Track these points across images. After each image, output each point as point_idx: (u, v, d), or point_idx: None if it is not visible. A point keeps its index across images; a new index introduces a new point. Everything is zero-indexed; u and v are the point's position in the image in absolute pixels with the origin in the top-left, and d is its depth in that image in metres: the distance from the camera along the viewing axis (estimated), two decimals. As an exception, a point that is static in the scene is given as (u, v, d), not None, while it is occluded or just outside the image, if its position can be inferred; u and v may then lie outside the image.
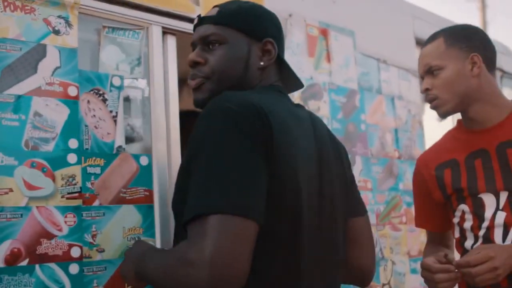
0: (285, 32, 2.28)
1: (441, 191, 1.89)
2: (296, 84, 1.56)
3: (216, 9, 1.44)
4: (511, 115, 1.79)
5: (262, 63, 1.43)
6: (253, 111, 1.19)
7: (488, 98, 1.80)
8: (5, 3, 1.59)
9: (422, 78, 1.88)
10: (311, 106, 2.33)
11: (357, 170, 2.47)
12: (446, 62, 1.79)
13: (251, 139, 1.16)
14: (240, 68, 1.40)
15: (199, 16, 1.47)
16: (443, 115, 1.84)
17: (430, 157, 1.97)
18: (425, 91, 1.84)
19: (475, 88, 1.78)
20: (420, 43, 2.95)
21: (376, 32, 2.75)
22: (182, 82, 1.93)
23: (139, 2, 1.84)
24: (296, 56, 2.30)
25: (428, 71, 1.83)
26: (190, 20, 1.93)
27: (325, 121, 2.34)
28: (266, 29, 1.45)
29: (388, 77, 2.76)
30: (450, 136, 1.98)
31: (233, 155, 1.13)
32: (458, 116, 1.91)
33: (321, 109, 2.38)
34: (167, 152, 1.86)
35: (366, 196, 2.47)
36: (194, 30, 1.48)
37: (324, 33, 2.47)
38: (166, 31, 1.93)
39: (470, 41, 1.81)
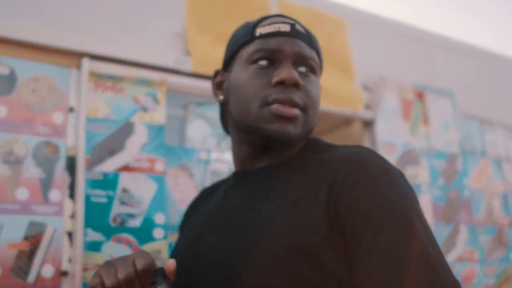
0: (377, 96, 2.21)
1: None
2: None
3: (302, 28, 1.12)
4: None
5: None
6: None
7: None
8: (96, 84, 1.66)
9: None
10: (409, 172, 2.21)
11: (462, 239, 2.30)
12: None
13: None
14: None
15: (293, 23, 1.11)
16: None
17: None
18: None
19: None
20: (528, 100, 2.77)
21: (478, 91, 2.60)
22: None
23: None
24: (389, 121, 2.21)
25: None
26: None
27: (425, 188, 2.23)
28: None
29: (494, 138, 2.59)
30: None
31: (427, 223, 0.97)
32: None
33: (420, 175, 2.25)
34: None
35: (472, 269, 2.28)
36: (275, 34, 1.08)
37: (420, 95, 2.37)
38: (252, 103, 1.92)
39: None
